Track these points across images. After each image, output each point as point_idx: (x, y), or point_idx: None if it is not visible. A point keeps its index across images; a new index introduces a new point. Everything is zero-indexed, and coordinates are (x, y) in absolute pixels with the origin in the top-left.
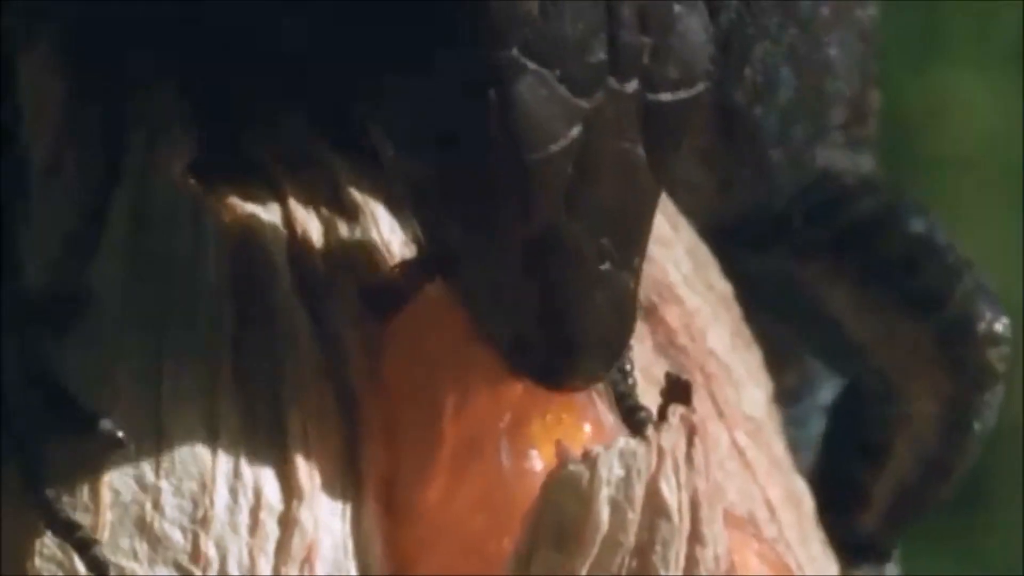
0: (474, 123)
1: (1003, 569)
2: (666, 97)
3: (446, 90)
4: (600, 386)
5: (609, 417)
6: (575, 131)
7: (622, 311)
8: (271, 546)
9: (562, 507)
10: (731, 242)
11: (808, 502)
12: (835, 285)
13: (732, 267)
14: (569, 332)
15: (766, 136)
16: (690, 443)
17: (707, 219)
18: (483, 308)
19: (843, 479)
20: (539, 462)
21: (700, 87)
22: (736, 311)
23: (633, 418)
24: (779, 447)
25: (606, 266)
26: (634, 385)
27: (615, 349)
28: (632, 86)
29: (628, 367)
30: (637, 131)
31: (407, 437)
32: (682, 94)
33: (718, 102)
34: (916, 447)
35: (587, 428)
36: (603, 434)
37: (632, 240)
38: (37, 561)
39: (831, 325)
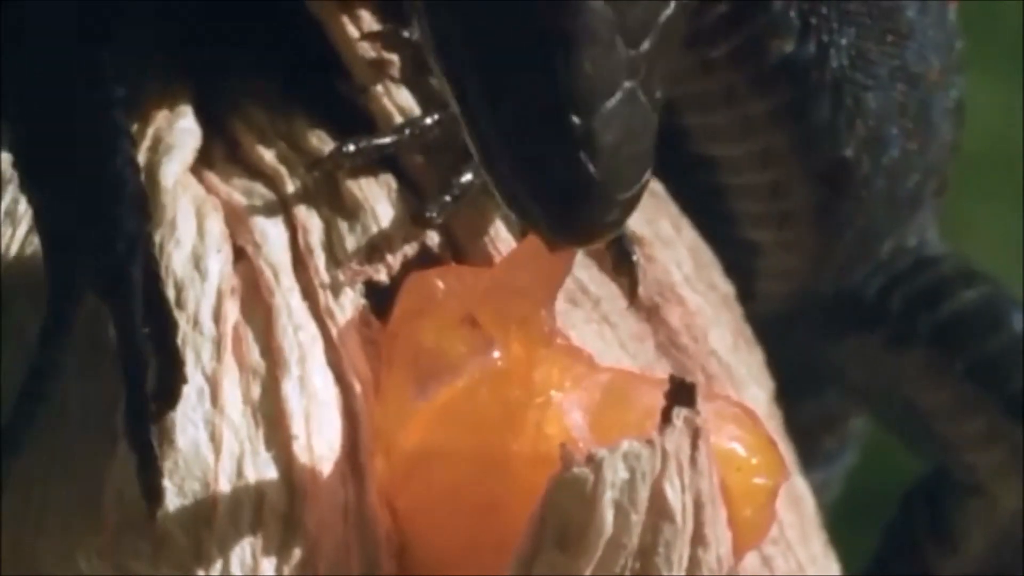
0: None
1: None
2: None
3: None
4: None
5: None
6: None
7: (641, 139)
8: (274, 546)
9: (566, 510)
10: (821, 325)
11: (809, 502)
12: (931, 380)
13: (816, 351)
14: (588, 131)
15: (874, 195)
16: (694, 445)
17: (801, 290)
18: (500, 157)
19: (912, 562)
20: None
21: None
22: (738, 311)
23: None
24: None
25: (631, 83)
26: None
27: (634, 177)
28: None
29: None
30: None
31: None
32: None
33: (828, 154)
34: (995, 539)
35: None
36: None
37: (656, 65)
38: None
39: (919, 415)
